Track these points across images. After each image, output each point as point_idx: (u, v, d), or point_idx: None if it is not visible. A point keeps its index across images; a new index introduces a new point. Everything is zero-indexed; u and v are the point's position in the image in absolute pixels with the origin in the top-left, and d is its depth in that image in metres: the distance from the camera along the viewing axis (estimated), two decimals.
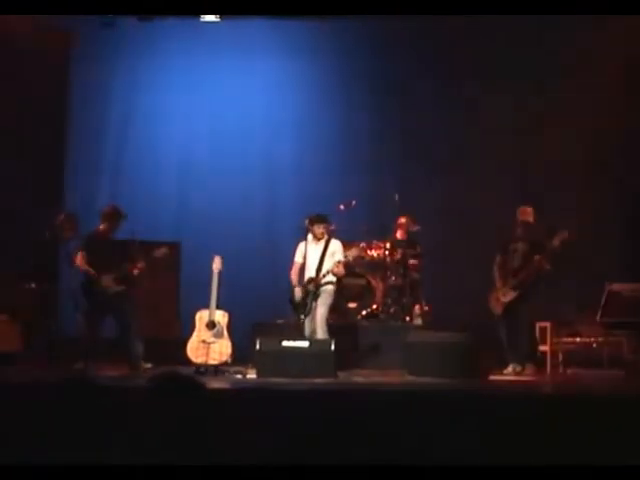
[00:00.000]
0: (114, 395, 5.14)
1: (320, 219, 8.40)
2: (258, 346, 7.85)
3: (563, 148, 10.06)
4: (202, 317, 8.27)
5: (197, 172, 10.67)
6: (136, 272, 8.24)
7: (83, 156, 10.47)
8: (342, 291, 8.96)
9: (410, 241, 9.75)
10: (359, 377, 8.08)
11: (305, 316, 8.22)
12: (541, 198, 9.28)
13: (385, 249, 9.65)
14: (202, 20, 10.06)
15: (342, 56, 10.66)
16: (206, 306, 8.28)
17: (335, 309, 8.75)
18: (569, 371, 8.76)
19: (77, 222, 8.62)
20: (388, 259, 9.65)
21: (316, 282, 8.24)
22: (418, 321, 9.37)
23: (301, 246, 8.48)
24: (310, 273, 8.31)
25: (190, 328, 8.31)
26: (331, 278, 8.33)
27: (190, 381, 4.42)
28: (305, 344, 7.86)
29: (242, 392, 6.78)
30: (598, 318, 8.63)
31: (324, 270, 8.25)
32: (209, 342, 8.16)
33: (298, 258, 8.48)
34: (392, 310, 9.55)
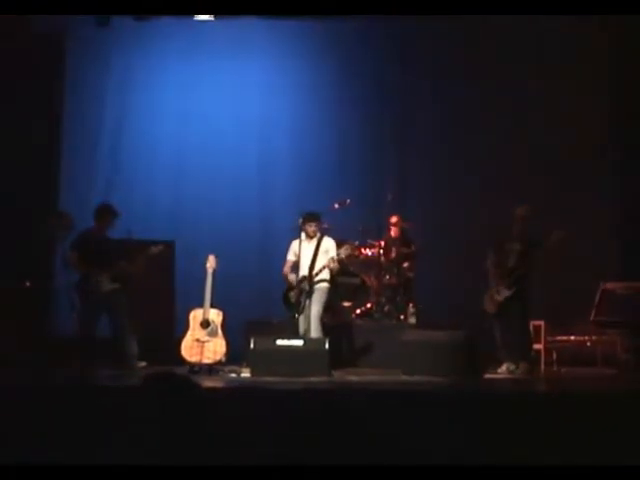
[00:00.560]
0: (110, 394, 5.15)
1: (312, 217, 8.41)
2: (252, 345, 7.85)
3: (562, 148, 10.11)
4: (196, 316, 8.28)
5: (191, 171, 10.64)
6: (134, 270, 8.24)
7: (78, 155, 10.44)
8: (336, 290, 8.96)
9: (404, 240, 9.78)
10: (353, 376, 8.07)
11: (299, 314, 8.24)
12: (538, 198, 9.28)
13: (379, 248, 9.67)
14: (197, 20, 10.08)
15: (337, 56, 10.65)
16: (200, 305, 8.29)
17: (329, 308, 8.74)
18: (563, 370, 8.78)
19: (72, 221, 8.60)
20: (382, 258, 9.67)
21: (309, 280, 8.27)
22: (412, 320, 9.37)
23: (294, 244, 8.50)
24: (303, 271, 8.32)
25: (184, 327, 8.32)
26: (325, 275, 8.34)
27: (184, 380, 4.43)
28: (299, 343, 7.87)
29: (236, 391, 6.80)
30: (592, 317, 8.66)
31: (317, 268, 8.27)
32: (203, 341, 8.17)
33: (290, 256, 8.51)
34: (386, 309, 9.57)
